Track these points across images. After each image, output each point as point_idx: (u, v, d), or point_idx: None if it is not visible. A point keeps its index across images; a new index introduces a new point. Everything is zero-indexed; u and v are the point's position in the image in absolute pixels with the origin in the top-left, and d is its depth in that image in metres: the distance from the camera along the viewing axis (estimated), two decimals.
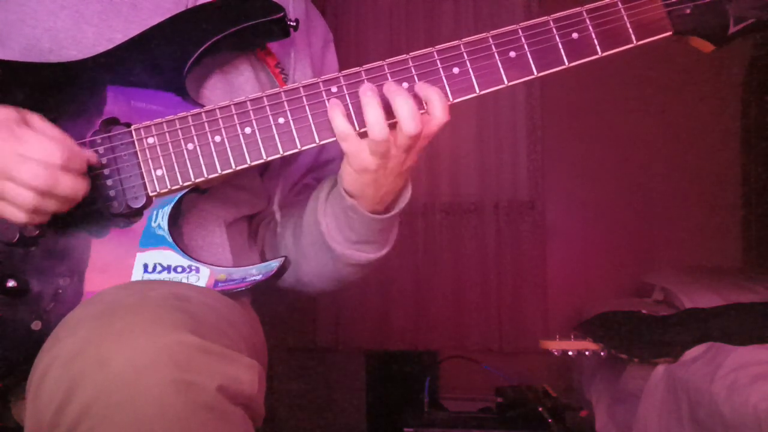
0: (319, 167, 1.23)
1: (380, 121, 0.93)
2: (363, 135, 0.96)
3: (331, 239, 1.06)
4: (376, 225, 1.05)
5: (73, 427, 0.68)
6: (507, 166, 3.69)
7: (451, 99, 0.98)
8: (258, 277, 0.96)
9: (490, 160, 3.69)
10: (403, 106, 0.92)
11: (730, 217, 3.58)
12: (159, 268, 0.94)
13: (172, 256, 0.94)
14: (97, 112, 0.96)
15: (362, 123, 0.95)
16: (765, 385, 1.92)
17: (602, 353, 2.50)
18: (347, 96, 0.97)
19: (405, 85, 0.97)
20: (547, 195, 3.69)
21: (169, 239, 0.95)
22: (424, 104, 0.96)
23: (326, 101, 0.97)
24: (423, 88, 0.96)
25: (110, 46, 0.99)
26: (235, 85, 1.06)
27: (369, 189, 1.00)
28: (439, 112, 0.95)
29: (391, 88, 0.94)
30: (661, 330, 2.51)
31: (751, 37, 3.27)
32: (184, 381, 0.69)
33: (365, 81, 0.96)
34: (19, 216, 0.86)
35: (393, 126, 0.94)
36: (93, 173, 0.92)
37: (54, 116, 0.93)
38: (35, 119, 0.87)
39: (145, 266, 0.94)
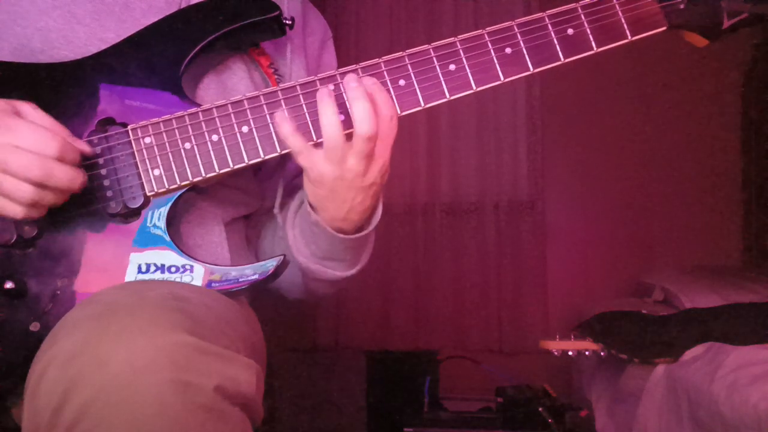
0: None
1: (335, 124, 0.92)
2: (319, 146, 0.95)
3: (298, 252, 1.06)
4: (342, 244, 1.04)
5: (70, 428, 0.68)
6: (507, 166, 3.69)
7: (447, 96, 0.98)
8: (255, 277, 0.96)
9: (490, 160, 3.68)
10: (359, 107, 0.92)
11: (730, 217, 3.57)
12: (153, 268, 0.94)
13: (166, 256, 0.94)
14: (92, 112, 0.95)
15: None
16: (765, 384, 1.91)
17: (602, 353, 2.50)
18: (345, 95, 0.97)
19: (402, 82, 0.97)
20: (547, 195, 3.69)
21: (166, 238, 0.95)
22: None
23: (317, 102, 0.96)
24: (369, 87, 0.94)
25: (102, 45, 0.99)
26: (228, 85, 1.06)
27: (328, 203, 0.99)
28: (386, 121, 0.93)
29: (350, 88, 0.93)
30: (661, 330, 2.50)
31: (749, 35, 3.27)
32: (182, 381, 0.69)
33: (321, 87, 0.95)
34: (17, 210, 0.85)
35: (349, 137, 0.93)
36: (89, 173, 0.92)
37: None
38: (27, 109, 0.87)
39: (139, 267, 0.94)
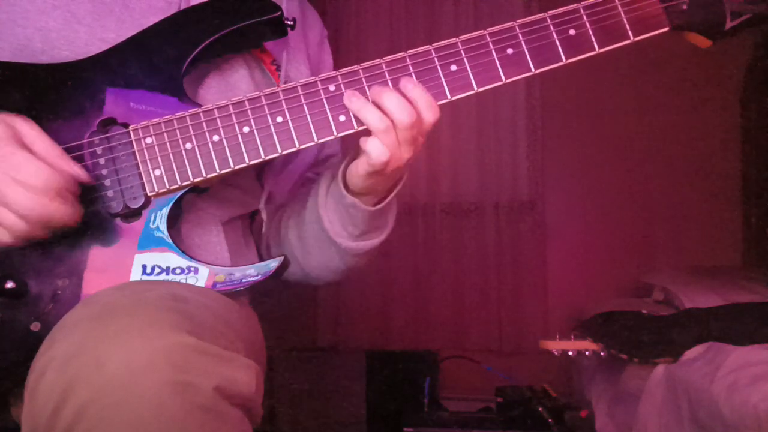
0: (320, 163, 1.24)
1: (401, 105, 0.94)
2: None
3: (336, 234, 1.07)
4: (377, 215, 1.07)
5: (69, 429, 0.68)
6: (507, 166, 3.68)
7: (449, 97, 0.98)
8: (257, 277, 0.96)
9: (489, 161, 3.68)
10: (392, 101, 0.94)
11: (730, 218, 3.57)
12: (157, 270, 0.94)
13: (170, 258, 0.94)
14: (95, 113, 0.95)
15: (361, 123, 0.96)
16: (765, 385, 1.91)
17: (602, 353, 2.50)
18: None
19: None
20: (547, 195, 3.69)
21: (168, 240, 0.95)
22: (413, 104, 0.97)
23: (324, 100, 0.97)
24: (409, 89, 0.96)
25: (103, 45, 0.99)
26: (230, 82, 1.06)
27: (379, 186, 1.02)
28: (427, 113, 0.96)
29: (375, 90, 0.96)
30: (661, 330, 2.50)
31: (749, 35, 3.27)
32: (181, 382, 0.69)
33: (363, 83, 0.97)
34: (5, 239, 0.86)
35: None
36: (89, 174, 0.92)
37: (51, 117, 0.93)
38: (27, 131, 0.86)
39: (144, 267, 0.94)
